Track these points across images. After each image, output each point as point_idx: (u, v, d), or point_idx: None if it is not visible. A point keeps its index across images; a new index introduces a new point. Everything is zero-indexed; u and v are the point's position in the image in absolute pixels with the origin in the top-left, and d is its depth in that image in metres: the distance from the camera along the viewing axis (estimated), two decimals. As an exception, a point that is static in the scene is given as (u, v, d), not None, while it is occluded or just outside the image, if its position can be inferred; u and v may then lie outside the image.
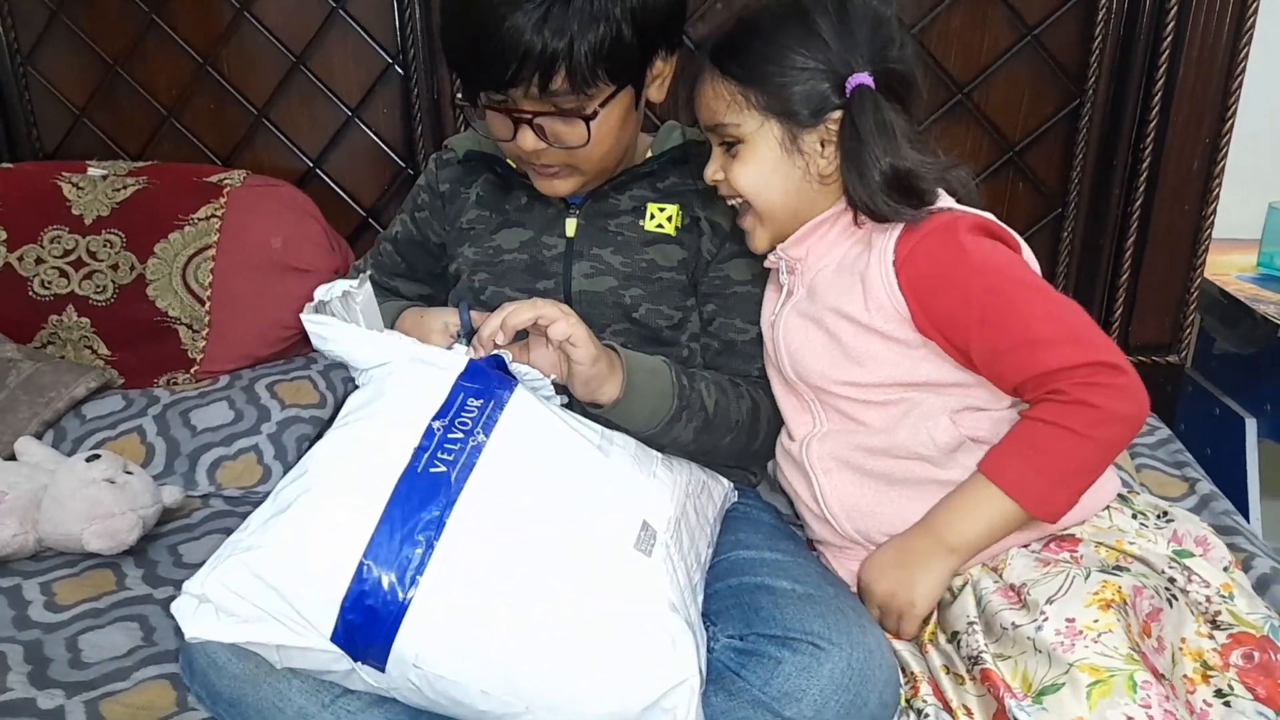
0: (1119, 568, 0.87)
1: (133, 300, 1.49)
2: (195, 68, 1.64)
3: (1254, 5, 1.39)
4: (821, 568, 0.96)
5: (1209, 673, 0.83)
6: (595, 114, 0.92)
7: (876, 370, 0.91)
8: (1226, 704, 0.81)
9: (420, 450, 0.80)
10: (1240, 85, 1.42)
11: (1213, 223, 1.50)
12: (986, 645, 0.84)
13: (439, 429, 0.82)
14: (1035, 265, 0.93)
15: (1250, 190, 1.65)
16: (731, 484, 1.06)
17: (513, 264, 1.07)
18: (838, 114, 0.90)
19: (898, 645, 0.90)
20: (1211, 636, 0.84)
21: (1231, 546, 1.11)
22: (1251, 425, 1.58)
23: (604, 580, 0.79)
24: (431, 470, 0.79)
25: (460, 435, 0.82)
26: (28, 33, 1.66)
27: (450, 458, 0.80)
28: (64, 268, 1.50)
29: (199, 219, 1.51)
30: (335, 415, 0.93)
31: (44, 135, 1.72)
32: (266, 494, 0.83)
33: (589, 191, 1.05)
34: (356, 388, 0.91)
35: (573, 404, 0.95)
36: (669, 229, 1.05)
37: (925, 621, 0.91)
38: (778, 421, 1.02)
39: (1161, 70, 1.43)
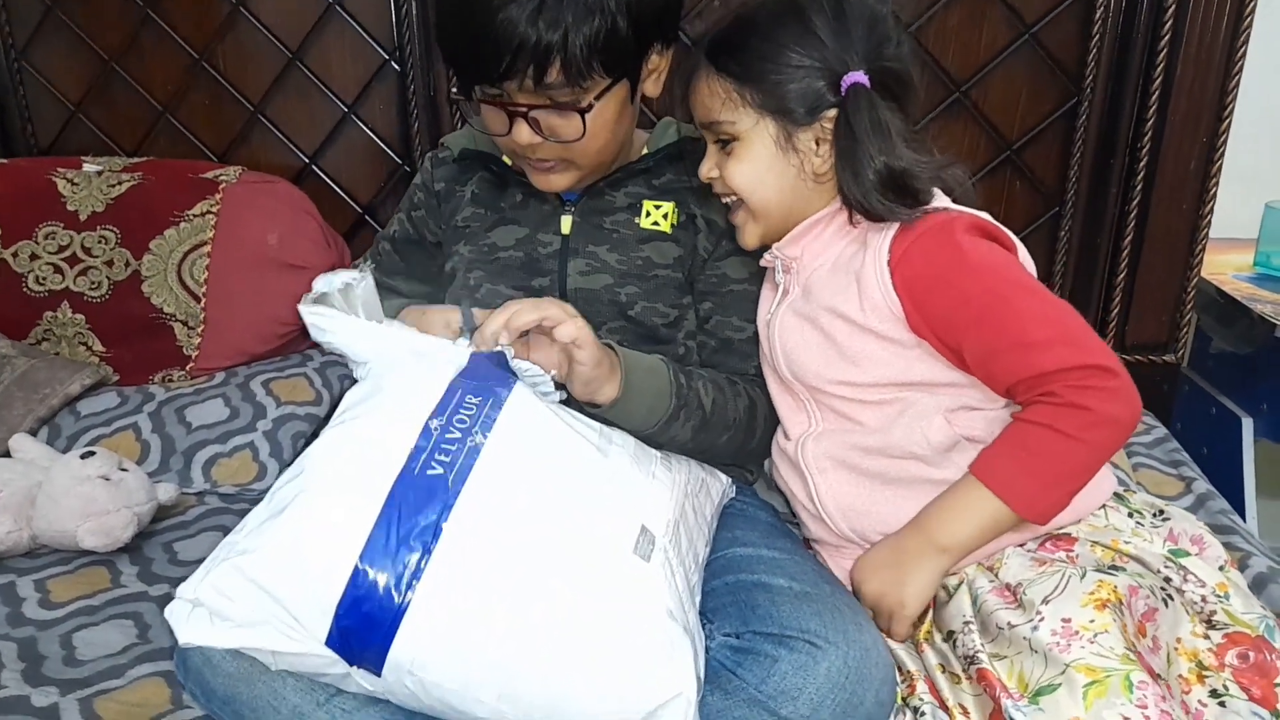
0: (1115, 567, 0.87)
1: (128, 297, 1.49)
2: (191, 64, 1.63)
3: (1251, 4, 1.39)
4: (818, 566, 0.96)
5: (1204, 673, 0.83)
6: (590, 107, 0.92)
7: (871, 370, 0.91)
8: (1222, 704, 0.81)
9: (418, 451, 0.80)
10: (1238, 84, 1.42)
11: (1210, 222, 1.50)
12: (982, 645, 0.84)
13: (436, 429, 0.81)
14: (1031, 265, 0.93)
15: (1247, 190, 1.65)
16: (730, 479, 1.05)
17: (508, 261, 1.06)
18: (833, 112, 0.90)
19: (893, 644, 0.90)
20: (1207, 636, 0.84)
21: (1228, 545, 1.11)
22: (1248, 424, 1.58)
23: (602, 583, 0.78)
24: (429, 473, 0.78)
25: (458, 435, 0.81)
26: (22, 28, 1.66)
27: (448, 460, 0.79)
28: (59, 264, 1.49)
29: (194, 215, 1.51)
30: (332, 413, 0.92)
31: (39, 131, 1.72)
32: (262, 491, 0.83)
33: (584, 188, 1.05)
34: (354, 383, 0.91)
35: (570, 401, 0.95)
36: (664, 226, 1.05)
37: (921, 620, 0.91)
38: (774, 420, 1.02)
39: (1159, 69, 1.43)
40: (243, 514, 0.83)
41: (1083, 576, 0.84)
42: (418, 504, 0.77)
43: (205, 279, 1.49)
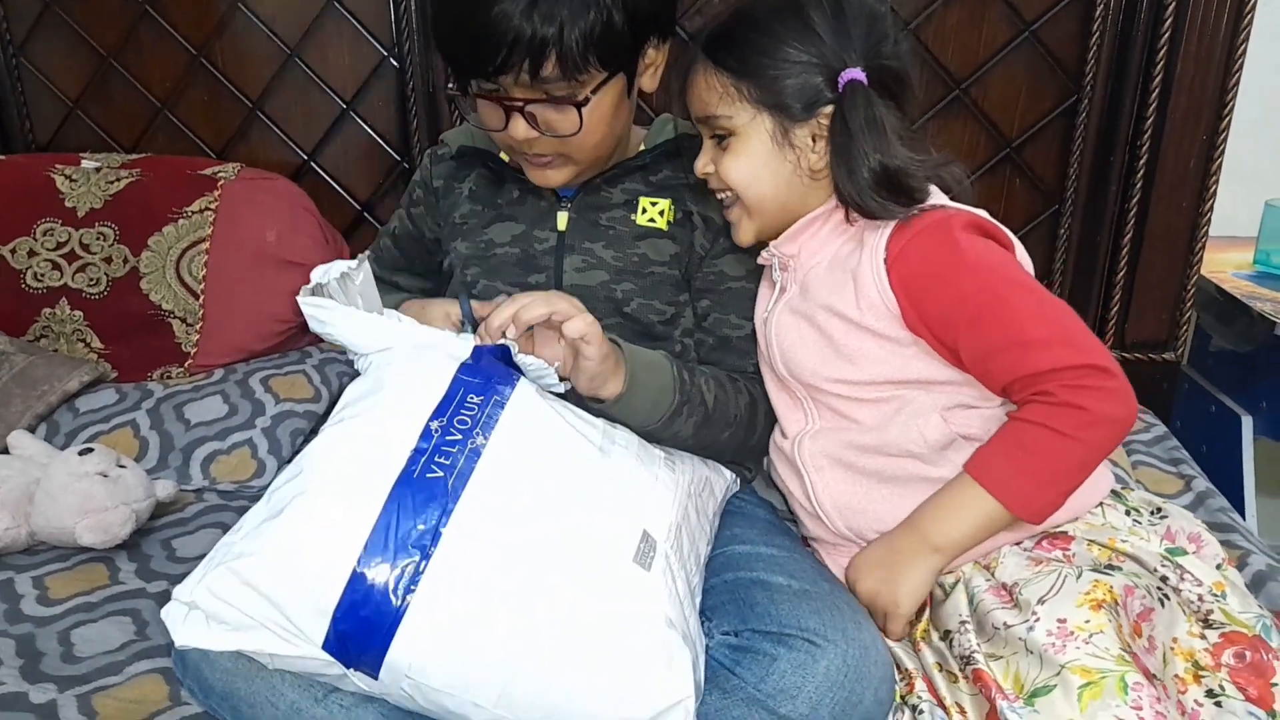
0: (1111, 566, 0.87)
1: (126, 293, 1.48)
2: (189, 60, 1.63)
3: (1252, 2, 1.38)
4: (816, 564, 0.96)
5: (1200, 673, 0.82)
6: (587, 101, 0.92)
7: (868, 368, 0.91)
8: (1218, 704, 0.81)
9: (418, 453, 0.79)
10: (1238, 82, 1.42)
11: (1209, 220, 1.49)
12: (979, 645, 0.84)
13: (437, 430, 0.80)
14: (1028, 263, 0.93)
15: (1247, 188, 1.65)
16: (733, 475, 1.05)
17: (504, 258, 1.06)
18: (830, 109, 0.90)
19: (890, 642, 0.90)
20: (1203, 636, 0.84)
21: (1227, 544, 1.11)
22: (1247, 422, 1.58)
23: (602, 592, 0.78)
24: (428, 475, 0.78)
25: (459, 437, 0.80)
26: (20, 24, 1.65)
27: (448, 462, 0.79)
28: (57, 260, 1.49)
29: (193, 212, 1.51)
30: (331, 410, 0.92)
31: (37, 127, 1.72)
32: (261, 488, 0.83)
33: (581, 185, 1.05)
34: (354, 377, 0.90)
35: (573, 395, 0.94)
36: (661, 223, 1.05)
37: (917, 618, 0.91)
38: (774, 417, 1.02)
39: (1159, 67, 1.43)
40: (241, 511, 0.83)
41: (1079, 576, 0.84)
42: (417, 507, 0.76)
43: (204, 276, 1.49)
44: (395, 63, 1.59)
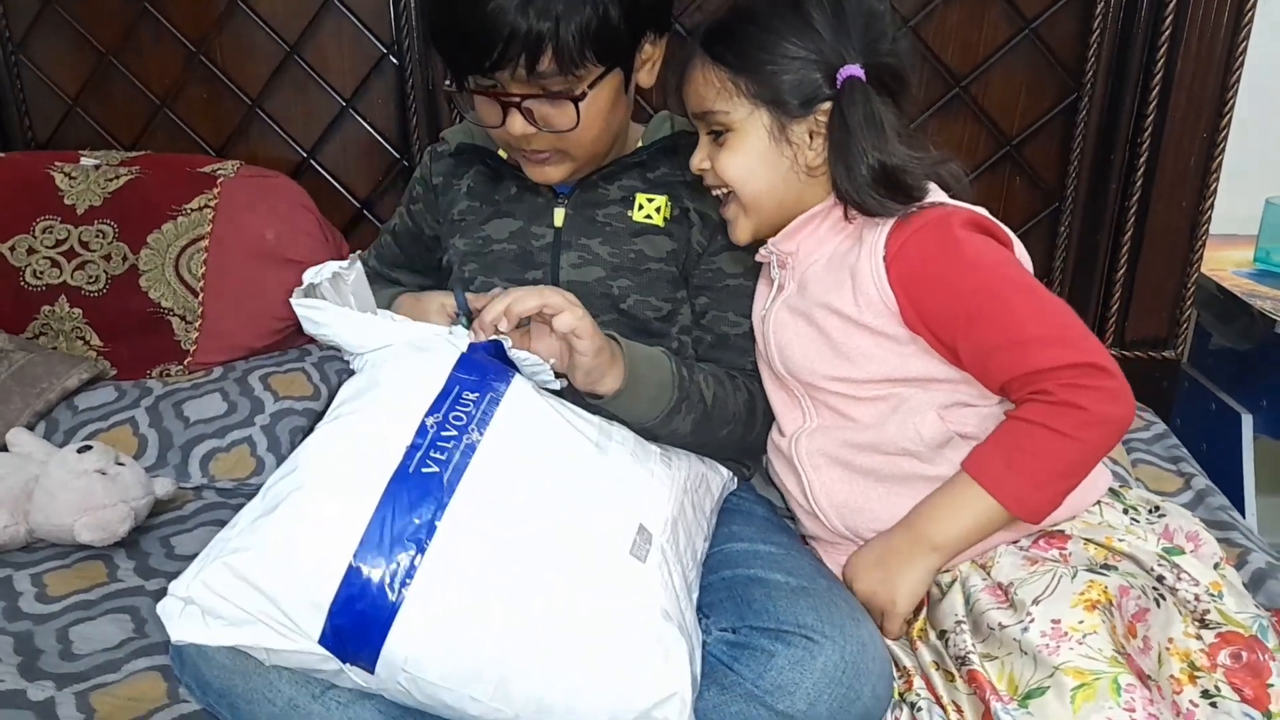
0: (1107, 566, 0.87)
1: (125, 291, 1.48)
2: (188, 57, 1.63)
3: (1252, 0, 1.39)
4: (815, 561, 0.96)
5: (1196, 673, 0.82)
6: (584, 95, 0.92)
7: (865, 366, 0.91)
8: (1213, 704, 0.80)
9: (413, 449, 0.79)
10: (1238, 80, 1.42)
11: (1210, 218, 1.49)
12: (974, 645, 0.84)
13: (432, 425, 0.80)
14: (1028, 261, 0.92)
15: (1247, 185, 1.65)
16: (730, 473, 1.05)
17: (502, 254, 1.06)
18: (827, 105, 0.90)
19: (888, 641, 0.90)
20: (1199, 636, 0.84)
21: (1227, 542, 1.11)
22: (1247, 421, 1.58)
23: (598, 584, 0.78)
24: (424, 470, 0.78)
25: (454, 433, 0.80)
26: (19, 21, 1.65)
27: (443, 457, 0.79)
28: (56, 258, 1.49)
29: (192, 209, 1.51)
30: (329, 408, 0.92)
31: (36, 125, 1.72)
32: (260, 486, 0.82)
33: (578, 181, 1.04)
34: (351, 374, 0.90)
35: (571, 391, 0.94)
36: (657, 220, 1.04)
37: (914, 617, 0.91)
38: (773, 415, 1.02)
39: (1159, 65, 1.43)
40: (240, 509, 0.83)
41: (1074, 576, 0.84)
42: (412, 502, 0.76)
43: (203, 273, 1.49)
44: (395, 60, 1.59)
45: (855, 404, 0.93)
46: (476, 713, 0.76)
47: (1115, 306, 1.55)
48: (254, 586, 0.75)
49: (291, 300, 0.86)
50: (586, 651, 0.75)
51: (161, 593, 0.80)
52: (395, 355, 0.87)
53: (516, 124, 0.94)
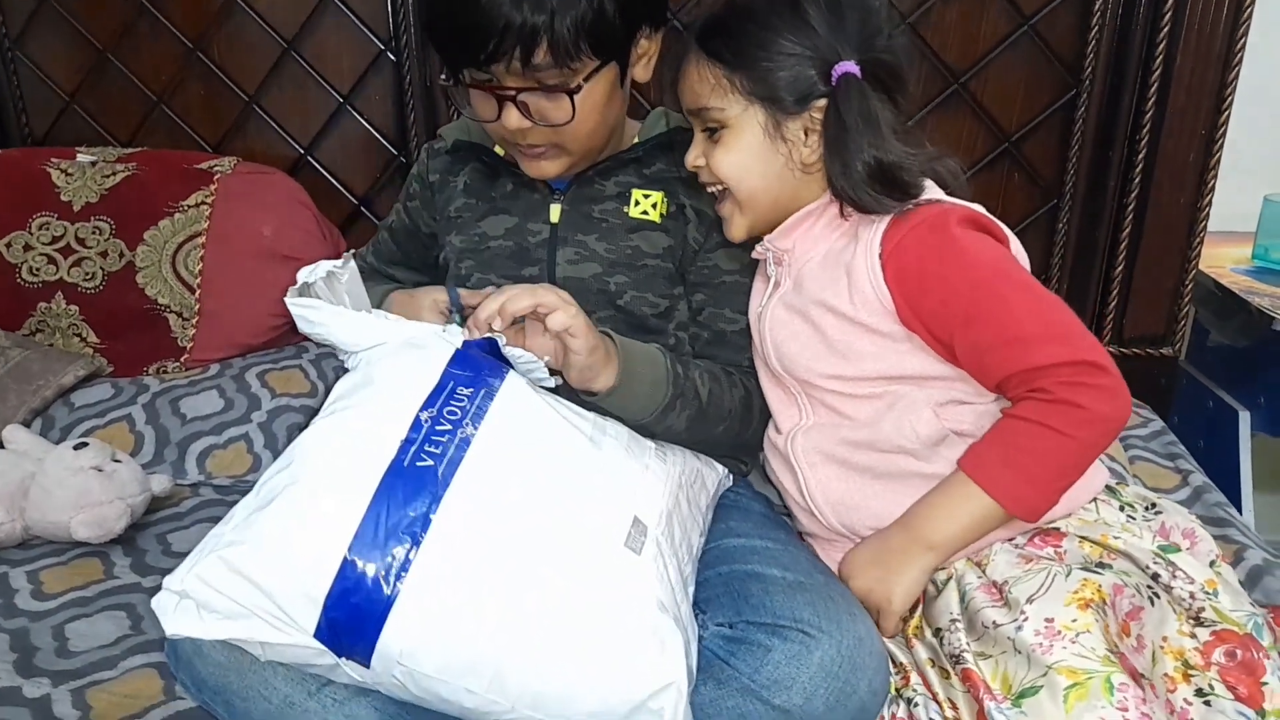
0: (1102, 564, 0.87)
1: (122, 288, 1.48)
2: (185, 54, 1.62)
3: (1251, -4, 1.39)
4: (812, 556, 0.96)
5: (1190, 672, 0.82)
6: (579, 88, 0.92)
7: (861, 363, 0.91)
8: (1207, 703, 0.80)
9: (407, 443, 0.79)
10: (1237, 76, 1.42)
11: (1208, 215, 1.49)
12: (968, 644, 0.84)
13: (427, 420, 0.81)
14: (1024, 258, 0.92)
15: (1246, 183, 1.65)
16: (725, 470, 1.05)
17: (498, 251, 1.06)
18: (823, 102, 0.90)
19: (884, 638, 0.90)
20: (1194, 634, 0.84)
21: (1224, 539, 1.11)
22: (1245, 418, 1.58)
23: (593, 575, 0.78)
24: (418, 464, 0.78)
25: (448, 427, 0.81)
26: (16, 17, 1.65)
27: (438, 451, 0.79)
28: (53, 255, 1.49)
29: (189, 206, 1.51)
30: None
31: (33, 121, 1.71)
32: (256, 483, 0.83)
33: (574, 177, 1.04)
34: (346, 371, 0.90)
35: (566, 389, 0.94)
36: (654, 216, 1.04)
37: (910, 614, 0.91)
38: (770, 411, 1.02)
39: (1158, 61, 1.42)
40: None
41: (1068, 575, 0.84)
42: (407, 496, 0.76)
43: (200, 270, 1.49)
44: (392, 57, 1.59)
45: (851, 401, 0.92)
46: (472, 705, 0.76)
47: (1113, 303, 1.55)
48: (249, 580, 0.75)
49: (286, 299, 0.87)
50: (582, 643, 0.75)
51: (158, 590, 0.79)
52: (390, 352, 0.87)
53: (512, 118, 0.94)
